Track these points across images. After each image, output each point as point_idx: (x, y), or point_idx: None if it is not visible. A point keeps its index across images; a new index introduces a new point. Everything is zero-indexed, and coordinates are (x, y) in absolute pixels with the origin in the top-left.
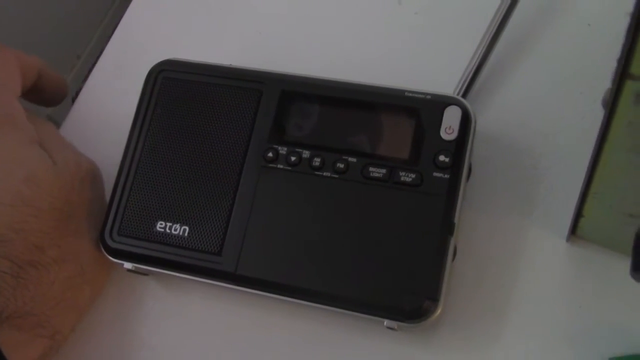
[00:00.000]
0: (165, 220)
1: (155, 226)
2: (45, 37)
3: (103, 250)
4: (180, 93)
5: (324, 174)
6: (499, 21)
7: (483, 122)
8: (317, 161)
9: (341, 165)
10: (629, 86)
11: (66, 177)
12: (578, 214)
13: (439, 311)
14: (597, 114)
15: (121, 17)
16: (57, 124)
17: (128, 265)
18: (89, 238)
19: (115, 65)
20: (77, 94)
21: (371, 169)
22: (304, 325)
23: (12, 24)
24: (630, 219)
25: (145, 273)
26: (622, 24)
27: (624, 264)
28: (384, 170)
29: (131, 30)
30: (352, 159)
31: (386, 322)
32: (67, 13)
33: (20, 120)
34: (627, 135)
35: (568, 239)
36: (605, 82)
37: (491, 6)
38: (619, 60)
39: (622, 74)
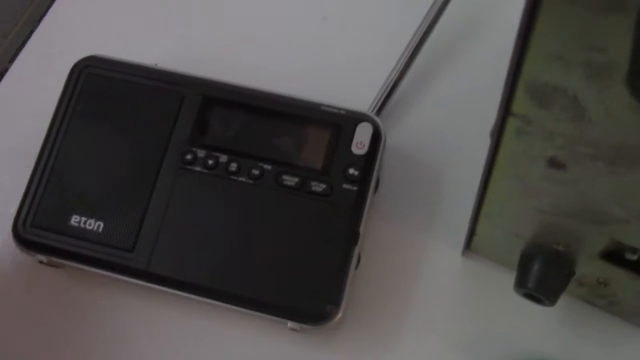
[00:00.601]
0: (80, 215)
1: (70, 220)
2: None
3: (15, 240)
4: (103, 90)
5: (240, 179)
6: (414, 45)
7: (395, 139)
8: (233, 166)
9: (256, 172)
10: (511, 122)
11: None
12: (471, 232)
13: (339, 315)
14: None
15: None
16: None
17: (41, 257)
18: None
19: (41, 53)
20: (1, 75)
21: (284, 177)
22: (211, 324)
23: None
24: (517, 239)
25: (57, 266)
26: None
27: (512, 279)
28: (296, 179)
29: (61, 18)
30: (267, 166)
31: (290, 323)
32: None
33: None
34: (511, 164)
35: (463, 253)
36: None
37: (411, 29)
38: (502, 99)
39: (505, 111)
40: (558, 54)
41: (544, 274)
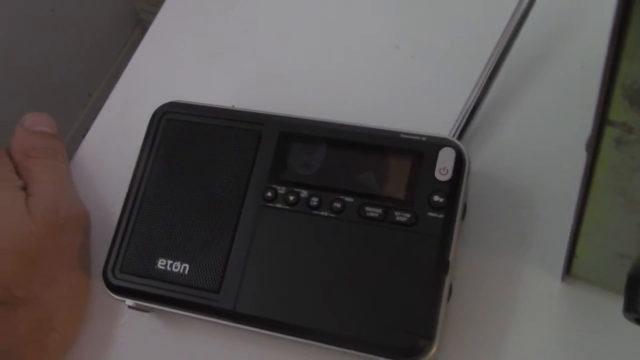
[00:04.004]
0: (166, 258)
1: (156, 264)
2: (58, 76)
3: (105, 286)
4: (183, 134)
5: (322, 213)
6: (493, 64)
7: (479, 163)
8: (314, 201)
9: (338, 205)
10: (609, 132)
11: (38, 223)
12: (571, 254)
13: (434, 350)
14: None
15: (130, 59)
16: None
17: (130, 302)
18: (62, 285)
19: (123, 105)
20: (87, 130)
21: (367, 208)
22: None
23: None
24: (621, 259)
25: (146, 310)
26: None
27: (619, 304)
28: (379, 210)
29: (138, 71)
30: (348, 199)
31: None
32: (81, 54)
33: (2, 169)
34: (611, 179)
35: (563, 279)
36: None
37: (486, 50)
38: (597, 107)
39: (602, 120)
40: None
41: None
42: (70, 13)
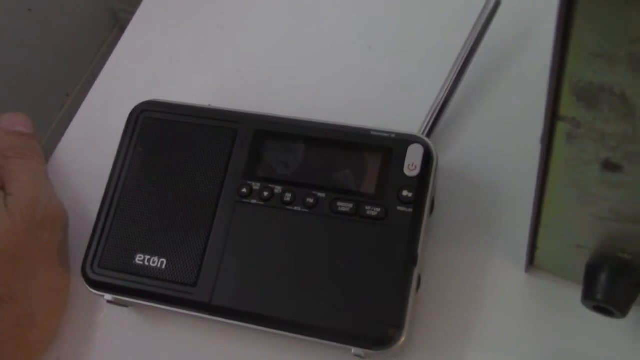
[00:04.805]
0: (144, 253)
1: (134, 259)
2: (35, 76)
3: (84, 281)
4: (160, 132)
5: (295, 208)
6: (461, 63)
7: (447, 159)
8: (288, 196)
9: (311, 200)
10: (560, 127)
11: (17, 221)
12: (533, 246)
13: (403, 339)
14: None
15: (108, 58)
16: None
17: (108, 296)
18: (42, 282)
19: (101, 104)
20: (66, 130)
21: (339, 203)
22: (276, 353)
23: (5, 63)
24: (580, 250)
25: (125, 304)
26: None
27: (579, 292)
28: (351, 205)
29: (117, 70)
30: (321, 194)
31: (353, 349)
32: (58, 53)
33: None
34: (565, 171)
35: (527, 270)
36: None
37: (455, 49)
38: (547, 103)
39: (553, 115)
40: (600, 51)
41: (612, 284)
42: (48, 13)
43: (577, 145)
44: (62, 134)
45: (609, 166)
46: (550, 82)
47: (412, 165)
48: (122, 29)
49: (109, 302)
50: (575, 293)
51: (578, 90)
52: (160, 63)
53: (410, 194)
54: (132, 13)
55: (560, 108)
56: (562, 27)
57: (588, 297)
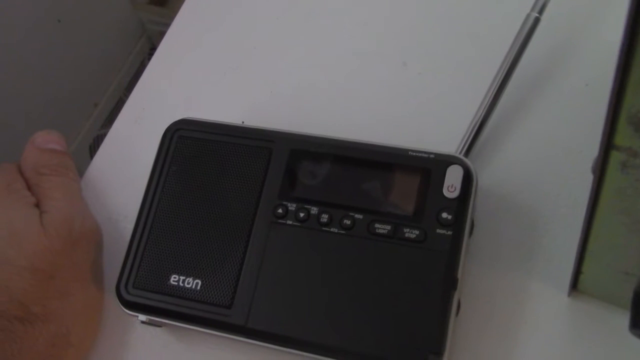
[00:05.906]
0: (179, 274)
1: (169, 279)
2: (64, 86)
3: (119, 302)
4: (194, 151)
5: (332, 229)
6: (500, 81)
7: (486, 180)
8: (324, 217)
9: (348, 222)
10: (615, 156)
11: (53, 239)
12: (577, 271)
13: None
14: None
15: (136, 68)
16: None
17: (142, 317)
18: (77, 300)
19: (135, 119)
20: (94, 140)
21: (376, 225)
22: None
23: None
24: (626, 277)
25: (158, 325)
26: None
27: (624, 318)
28: (388, 227)
29: (149, 87)
30: (358, 216)
31: None
32: (87, 63)
33: (15, 186)
34: (617, 200)
35: (570, 294)
36: None
37: (492, 67)
38: (603, 132)
39: (608, 145)
40: None
41: None
42: (77, 23)
43: (632, 175)
44: (90, 144)
45: None
46: (608, 112)
47: (452, 187)
48: (150, 39)
49: (142, 322)
50: (620, 318)
51: (636, 120)
52: (192, 80)
53: (449, 216)
54: (160, 23)
55: (615, 137)
56: (624, 57)
57: (636, 325)
